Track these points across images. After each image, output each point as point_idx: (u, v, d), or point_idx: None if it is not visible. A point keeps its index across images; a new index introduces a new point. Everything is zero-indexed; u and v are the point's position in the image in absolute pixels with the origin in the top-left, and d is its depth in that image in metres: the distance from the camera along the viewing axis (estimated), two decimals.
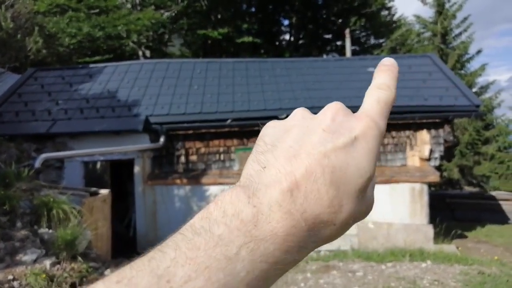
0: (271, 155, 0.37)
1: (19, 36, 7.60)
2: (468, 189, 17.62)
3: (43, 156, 7.56)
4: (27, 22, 10.26)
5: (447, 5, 19.75)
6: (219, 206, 0.34)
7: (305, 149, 0.37)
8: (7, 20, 7.18)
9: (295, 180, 0.35)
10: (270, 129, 0.41)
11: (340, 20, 23.20)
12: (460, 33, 19.82)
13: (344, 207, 0.36)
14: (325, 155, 0.36)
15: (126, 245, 8.95)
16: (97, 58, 16.76)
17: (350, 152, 0.37)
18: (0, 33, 7.19)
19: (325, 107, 0.42)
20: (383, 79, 0.45)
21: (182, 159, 9.63)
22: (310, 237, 0.35)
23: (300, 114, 0.43)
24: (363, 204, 0.38)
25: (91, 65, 12.50)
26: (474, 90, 18.21)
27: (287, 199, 0.34)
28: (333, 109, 0.42)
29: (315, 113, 0.44)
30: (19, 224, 5.35)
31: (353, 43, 20.01)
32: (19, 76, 11.32)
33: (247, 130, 9.47)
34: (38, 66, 11.65)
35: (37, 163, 7.22)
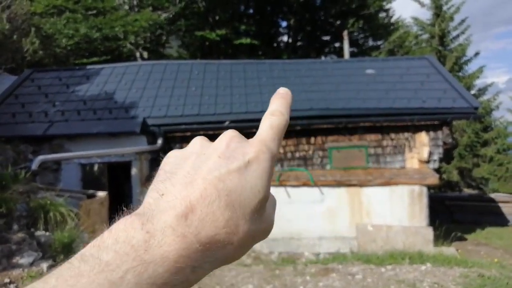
0: (169, 183, 0.39)
1: (15, 37, 7.54)
2: (467, 191, 17.63)
3: (40, 158, 7.50)
4: (24, 23, 10.20)
5: (444, 8, 19.83)
6: (112, 233, 0.35)
7: (201, 174, 0.39)
8: (3, 21, 7.12)
9: (190, 204, 0.36)
10: (171, 158, 0.43)
11: (338, 22, 23.24)
12: (458, 35, 19.92)
13: (241, 227, 0.38)
14: (220, 179, 0.38)
15: None
16: (94, 59, 16.75)
17: (244, 175, 0.39)
18: None
19: (221, 135, 0.44)
20: (277, 106, 0.48)
21: None
22: (205, 257, 0.37)
23: (198, 142, 0.45)
24: (261, 223, 0.41)
25: (88, 67, 12.44)
26: (472, 92, 18.27)
27: (182, 222, 0.36)
28: (228, 136, 0.44)
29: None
30: (15, 226, 5.30)
31: (351, 45, 20.01)
32: (15, 77, 11.26)
33: (245, 132, 9.26)
34: (35, 67, 11.58)
35: (34, 165, 7.17)
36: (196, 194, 0.37)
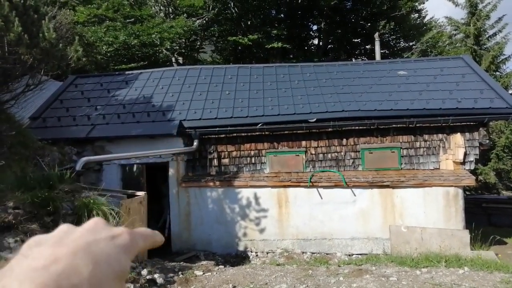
0: (37, 249, 0.41)
1: (61, 45, 8.01)
2: (506, 193, 17.04)
3: (84, 159, 7.86)
4: (68, 32, 10.78)
5: (480, 6, 19.30)
6: None
7: (70, 239, 0.42)
8: (50, 30, 7.57)
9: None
10: (37, 237, 0.46)
11: (369, 24, 23.00)
12: (495, 34, 19.34)
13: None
14: (88, 244, 0.41)
15: (161, 245, 9.14)
16: (132, 65, 17.34)
17: (109, 245, 0.42)
18: (43, 43, 7.58)
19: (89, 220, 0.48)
20: (147, 232, 0.53)
21: (215, 162, 9.82)
22: None
23: (65, 227, 0.47)
24: None
25: (127, 72, 12.95)
26: (510, 92, 17.66)
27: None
28: (95, 220, 0.48)
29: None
30: (62, 224, 5.58)
31: (382, 46, 19.81)
32: (60, 83, 11.88)
33: (277, 134, 9.58)
34: (77, 73, 12.18)
35: (78, 166, 7.50)
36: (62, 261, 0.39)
